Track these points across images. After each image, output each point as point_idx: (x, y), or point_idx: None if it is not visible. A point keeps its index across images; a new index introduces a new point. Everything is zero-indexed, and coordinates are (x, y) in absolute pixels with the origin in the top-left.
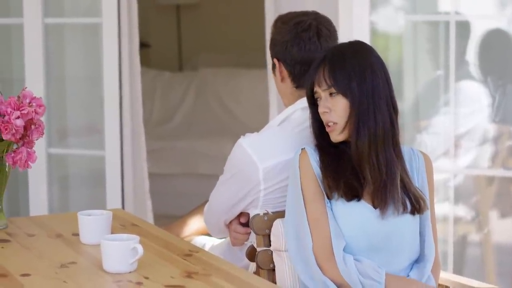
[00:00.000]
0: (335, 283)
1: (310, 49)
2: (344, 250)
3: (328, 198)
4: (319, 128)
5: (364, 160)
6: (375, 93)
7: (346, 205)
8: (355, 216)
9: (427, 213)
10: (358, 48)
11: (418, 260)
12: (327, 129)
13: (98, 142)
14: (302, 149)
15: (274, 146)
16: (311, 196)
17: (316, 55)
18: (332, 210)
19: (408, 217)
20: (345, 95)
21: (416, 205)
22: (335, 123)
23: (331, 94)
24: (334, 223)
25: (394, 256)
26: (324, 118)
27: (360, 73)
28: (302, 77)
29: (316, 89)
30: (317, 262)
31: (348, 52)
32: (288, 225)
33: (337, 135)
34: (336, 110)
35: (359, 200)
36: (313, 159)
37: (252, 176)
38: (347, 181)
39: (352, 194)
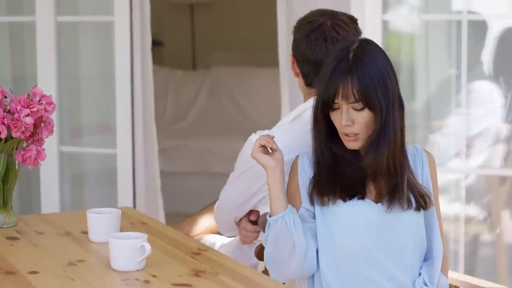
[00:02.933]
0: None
1: (315, 50)
2: (346, 248)
3: (321, 204)
4: (328, 132)
5: (381, 169)
6: (392, 99)
7: (346, 205)
8: (357, 214)
9: (433, 210)
10: (374, 51)
11: (427, 258)
12: (347, 139)
13: (110, 140)
14: (297, 156)
15: (285, 144)
16: (288, 196)
17: (320, 57)
18: (325, 217)
19: (411, 213)
20: (372, 109)
21: (421, 202)
22: (356, 134)
23: (356, 108)
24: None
25: (399, 253)
26: (346, 130)
27: (384, 83)
28: (309, 76)
29: (339, 101)
30: None
31: (368, 59)
32: None
33: (356, 145)
34: (360, 122)
35: (362, 198)
36: (302, 166)
37: (263, 172)
38: (344, 185)
39: (350, 193)
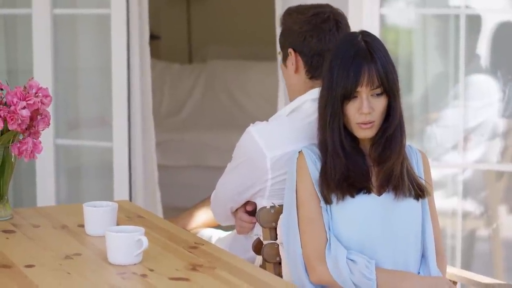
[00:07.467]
0: (326, 284)
1: (330, 40)
2: (354, 246)
3: (327, 202)
4: (343, 125)
5: (393, 158)
6: (399, 85)
7: (353, 201)
8: (364, 209)
9: (426, 204)
10: (378, 39)
11: (423, 254)
12: (363, 126)
13: (107, 134)
14: (299, 151)
15: (282, 136)
16: (307, 196)
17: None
18: (332, 213)
19: (412, 201)
20: (390, 93)
21: (418, 190)
22: (372, 122)
23: (376, 94)
24: (331, 226)
25: (404, 246)
26: (365, 118)
27: (394, 68)
28: (318, 68)
29: (361, 89)
30: (309, 263)
31: (379, 46)
32: (283, 225)
33: (371, 132)
34: (378, 109)
35: (367, 192)
36: (310, 161)
37: (260, 164)
38: (352, 179)
39: (357, 188)
